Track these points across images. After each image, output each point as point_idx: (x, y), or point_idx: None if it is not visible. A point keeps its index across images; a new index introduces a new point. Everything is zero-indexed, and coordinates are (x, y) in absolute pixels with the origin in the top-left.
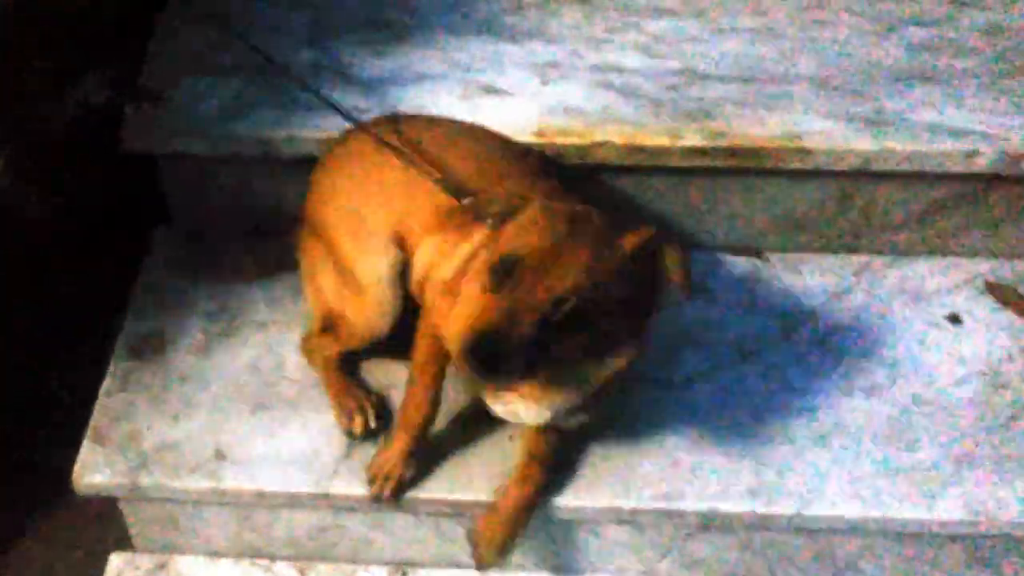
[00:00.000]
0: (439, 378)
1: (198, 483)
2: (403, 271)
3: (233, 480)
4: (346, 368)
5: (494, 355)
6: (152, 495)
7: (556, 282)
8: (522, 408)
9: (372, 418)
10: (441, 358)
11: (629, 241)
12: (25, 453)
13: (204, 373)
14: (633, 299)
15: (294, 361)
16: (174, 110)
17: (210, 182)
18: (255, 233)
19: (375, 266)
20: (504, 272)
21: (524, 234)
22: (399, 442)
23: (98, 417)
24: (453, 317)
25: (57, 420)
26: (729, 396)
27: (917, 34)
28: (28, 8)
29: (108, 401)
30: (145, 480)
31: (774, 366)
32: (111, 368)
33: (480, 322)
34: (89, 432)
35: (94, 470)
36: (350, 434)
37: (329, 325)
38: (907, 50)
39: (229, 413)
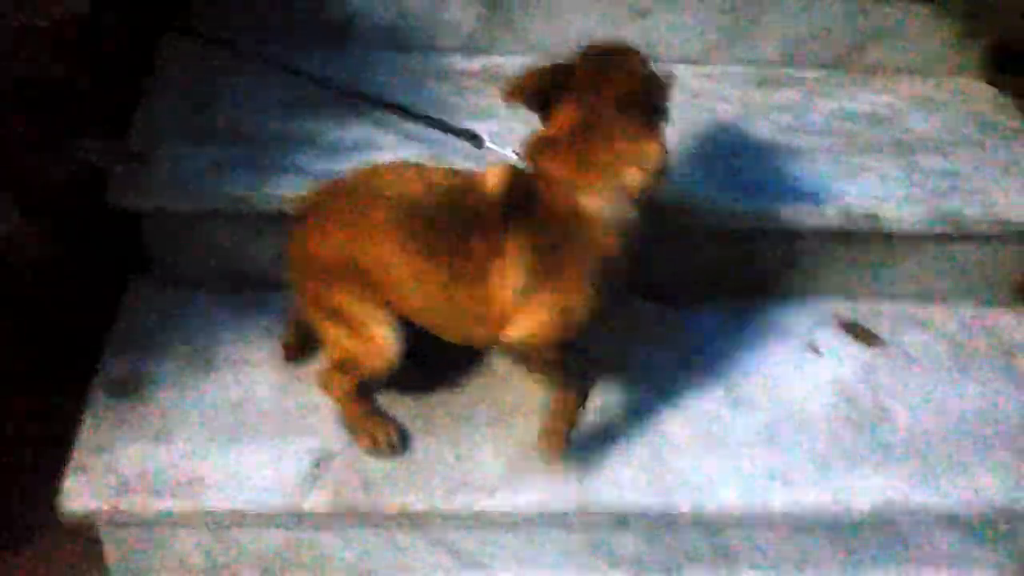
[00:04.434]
0: None
1: (176, 504)
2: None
3: (209, 500)
4: (365, 396)
5: None
6: (132, 518)
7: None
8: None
9: (396, 439)
10: None
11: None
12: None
13: (180, 407)
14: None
15: (265, 396)
16: (158, 171)
17: (188, 236)
18: (228, 280)
19: (378, 317)
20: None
21: None
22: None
23: (79, 449)
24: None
25: (35, 457)
26: (633, 417)
27: (781, 119)
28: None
29: (89, 435)
30: (126, 504)
31: (673, 391)
32: (90, 406)
33: None
34: (71, 462)
35: (78, 496)
36: (378, 452)
37: (344, 363)
38: (776, 132)
39: (205, 442)
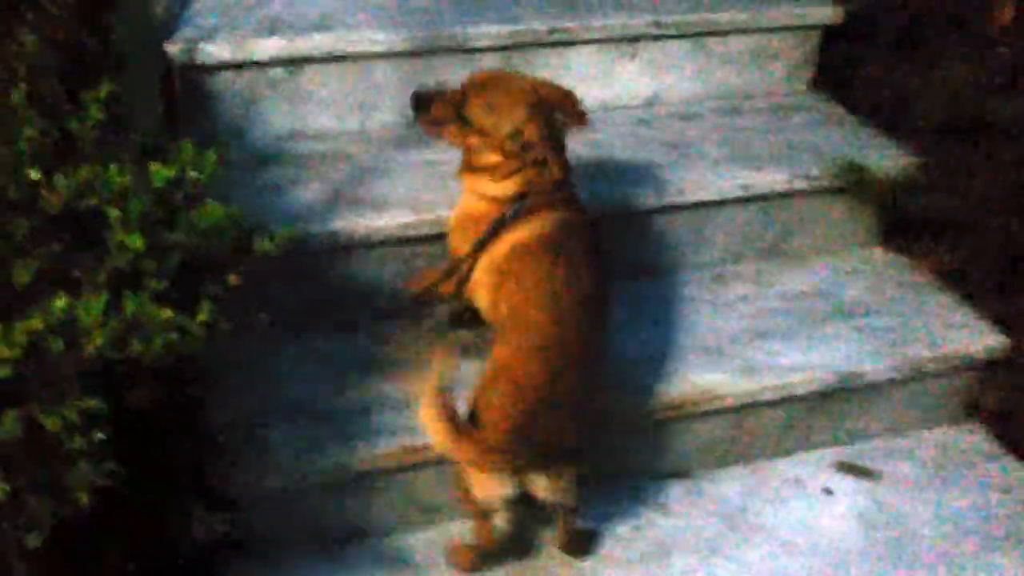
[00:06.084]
0: None
1: None
2: None
3: None
4: None
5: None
6: None
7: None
8: None
9: None
10: None
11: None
12: None
13: None
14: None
15: None
16: (255, 459)
17: (287, 509)
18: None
19: None
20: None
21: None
22: None
23: None
24: None
25: None
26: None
27: (745, 306)
28: None
29: None
30: None
31: (732, 554)
32: None
33: None
34: None
35: None
36: None
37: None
38: (744, 318)
39: None
